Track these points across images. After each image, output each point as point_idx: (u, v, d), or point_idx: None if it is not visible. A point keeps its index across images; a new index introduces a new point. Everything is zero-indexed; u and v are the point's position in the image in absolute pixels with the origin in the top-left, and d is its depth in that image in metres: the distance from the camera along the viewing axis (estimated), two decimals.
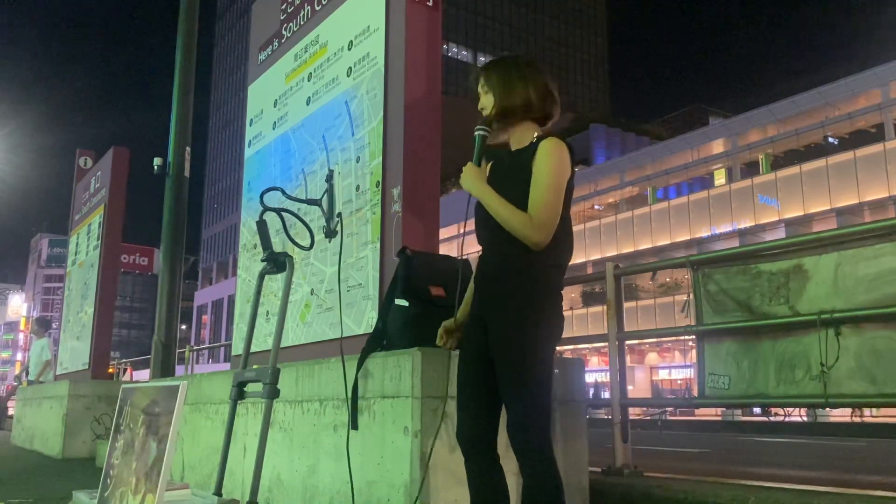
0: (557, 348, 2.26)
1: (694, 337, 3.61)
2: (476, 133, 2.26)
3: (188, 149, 6.90)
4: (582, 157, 44.91)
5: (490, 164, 2.32)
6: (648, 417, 17.35)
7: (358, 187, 3.59)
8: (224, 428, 2.76)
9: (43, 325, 11.71)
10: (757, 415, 18.02)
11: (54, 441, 7.57)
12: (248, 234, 4.79)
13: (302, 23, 4.43)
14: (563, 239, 2.17)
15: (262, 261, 2.78)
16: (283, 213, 3.09)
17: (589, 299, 36.35)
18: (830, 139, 32.10)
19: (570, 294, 34.15)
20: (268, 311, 4.36)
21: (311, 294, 3.89)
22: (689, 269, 3.60)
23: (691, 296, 3.61)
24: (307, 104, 4.22)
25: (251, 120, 5.02)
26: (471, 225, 2.28)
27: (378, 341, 2.91)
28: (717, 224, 32.89)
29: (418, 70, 3.41)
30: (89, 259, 8.47)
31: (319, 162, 3.99)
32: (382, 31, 3.55)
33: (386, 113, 3.46)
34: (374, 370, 2.82)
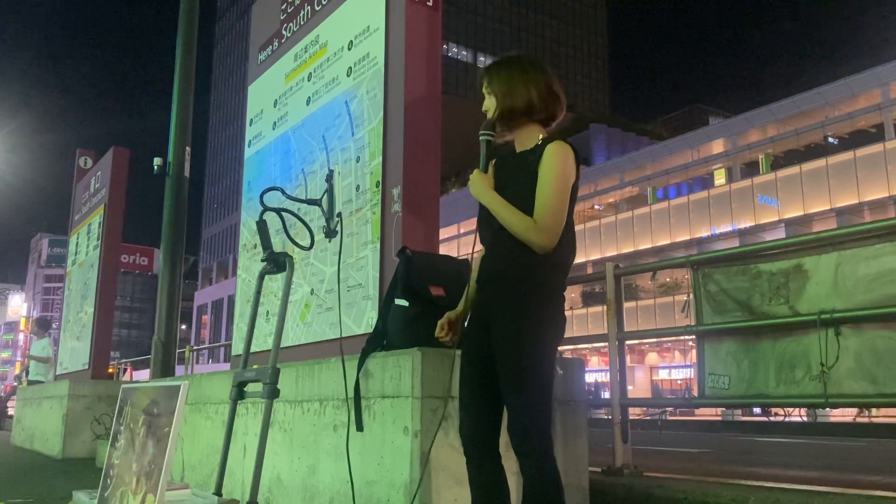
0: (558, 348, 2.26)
1: (694, 337, 3.61)
2: (481, 138, 2.26)
3: (188, 149, 6.90)
4: (582, 157, 44.31)
5: (493, 162, 2.30)
6: (648, 417, 17.36)
7: (358, 187, 3.59)
8: (224, 428, 2.76)
9: (43, 326, 11.71)
10: (757, 415, 18.03)
11: (54, 441, 7.57)
12: (248, 234, 4.79)
13: (302, 23, 4.44)
14: (566, 240, 2.17)
15: (262, 261, 2.78)
16: (283, 213, 3.09)
17: (589, 299, 36.36)
18: (830, 139, 32.10)
19: (570, 294, 34.14)
20: (268, 311, 4.36)
21: (311, 294, 3.89)
22: (689, 269, 3.60)
23: (691, 296, 3.61)
24: (307, 104, 4.22)
25: (251, 120, 5.03)
26: (471, 226, 2.28)
27: (378, 341, 2.91)
28: (717, 224, 32.89)
29: (418, 70, 3.41)
30: (89, 259, 8.47)
31: (319, 162, 3.99)
32: (382, 31, 3.55)
33: (386, 113, 3.46)
34: (374, 370, 2.82)
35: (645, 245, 35.70)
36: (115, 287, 8.36)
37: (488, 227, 2.22)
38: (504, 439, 2.13)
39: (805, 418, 15.32)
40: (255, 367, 2.73)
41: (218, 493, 2.62)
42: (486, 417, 2.20)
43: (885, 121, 28.99)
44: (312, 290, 3.89)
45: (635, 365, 37.13)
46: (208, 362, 50.71)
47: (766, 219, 31.00)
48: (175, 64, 7.04)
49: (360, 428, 2.82)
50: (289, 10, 4.63)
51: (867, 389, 2.90)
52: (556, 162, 2.14)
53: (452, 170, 47.08)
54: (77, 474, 5.70)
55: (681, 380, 36.85)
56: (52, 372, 9.98)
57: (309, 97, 4.21)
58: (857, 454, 8.89)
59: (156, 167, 6.85)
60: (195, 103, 7.15)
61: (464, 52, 72.64)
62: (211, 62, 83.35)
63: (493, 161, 2.30)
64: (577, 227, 2.29)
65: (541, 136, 2.25)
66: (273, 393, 2.53)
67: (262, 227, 2.81)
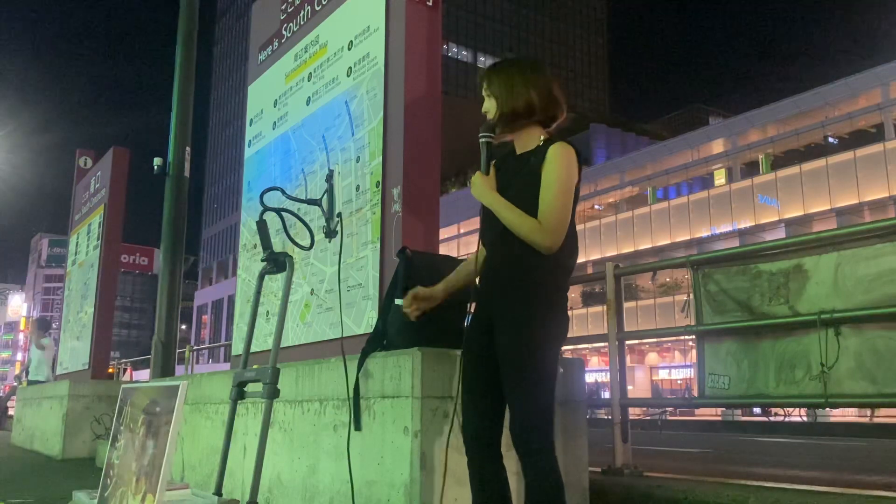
0: None
1: (694, 337, 3.61)
2: (481, 140, 2.25)
3: (188, 149, 6.90)
4: (582, 157, 44.88)
5: (493, 163, 2.30)
6: (648, 417, 17.37)
7: (358, 187, 3.59)
8: (224, 428, 2.76)
9: (42, 327, 11.70)
10: (757, 415, 18.04)
11: (54, 441, 7.57)
12: (248, 234, 4.79)
13: (302, 23, 4.43)
14: (568, 241, 2.17)
15: (262, 261, 2.78)
16: (283, 213, 3.09)
17: (589, 299, 36.35)
18: (830, 139, 32.11)
19: (571, 294, 33.80)
20: (268, 311, 4.36)
21: (311, 294, 3.89)
22: (689, 269, 3.60)
23: (691, 296, 3.61)
24: (307, 104, 4.22)
25: (251, 120, 5.02)
26: (471, 226, 2.29)
27: (378, 341, 2.91)
28: (717, 224, 32.90)
29: (418, 70, 3.41)
30: (89, 259, 8.47)
31: (319, 162, 3.99)
32: (382, 31, 3.54)
33: (386, 113, 3.46)
34: (374, 370, 2.82)
35: (645, 245, 35.71)
36: (115, 287, 8.36)
37: (491, 228, 2.22)
38: (506, 439, 2.13)
39: (805, 418, 15.34)
40: (255, 367, 2.73)
41: (218, 493, 2.62)
42: (489, 417, 2.20)
43: (885, 121, 29.00)
44: (312, 290, 3.89)
45: (635, 365, 37.13)
46: (208, 362, 50.71)
47: (766, 219, 31.01)
48: (175, 64, 7.04)
49: (357, 427, 2.82)
50: (289, 10, 4.63)
51: (867, 389, 2.90)
52: (559, 163, 2.14)
53: (452, 170, 47.08)
54: (77, 474, 5.70)
55: (681, 380, 36.86)
56: (48, 367, 9.99)
57: (309, 97, 4.21)
58: (858, 454, 8.89)
59: (156, 167, 6.85)
60: (195, 103, 7.15)
61: (464, 52, 72.65)
62: (211, 62, 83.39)
63: (494, 162, 2.30)
64: (578, 227, 2.29)
65: (542, 138, 2.25)
66: (273, 393, 2.53)
67: (262, 227, 2.81)
